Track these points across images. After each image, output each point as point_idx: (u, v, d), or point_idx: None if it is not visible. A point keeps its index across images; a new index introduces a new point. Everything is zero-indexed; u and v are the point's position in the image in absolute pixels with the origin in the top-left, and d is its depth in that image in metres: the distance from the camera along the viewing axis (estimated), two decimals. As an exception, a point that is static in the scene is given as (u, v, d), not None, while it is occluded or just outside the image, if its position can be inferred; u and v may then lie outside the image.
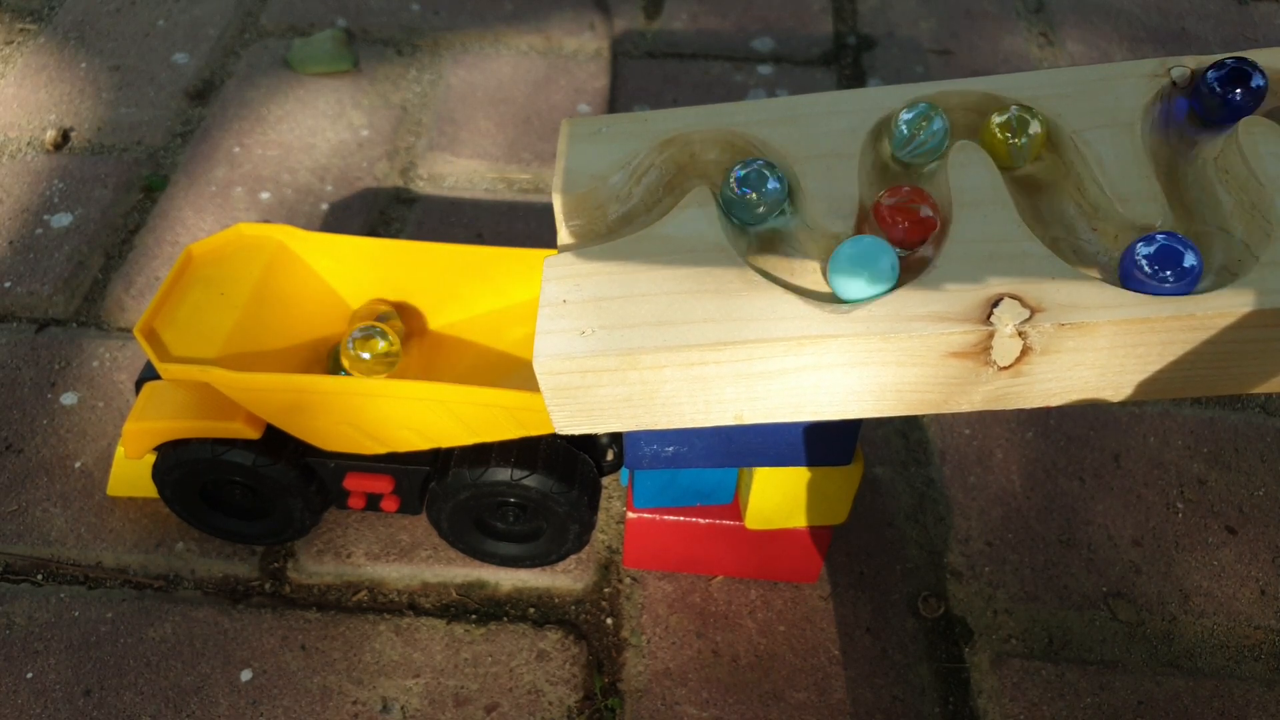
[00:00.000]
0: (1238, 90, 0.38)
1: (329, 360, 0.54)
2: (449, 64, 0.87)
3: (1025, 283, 0.35)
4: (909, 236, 0.37)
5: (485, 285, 0.55)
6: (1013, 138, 0.39)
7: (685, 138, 0.42)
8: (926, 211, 0.37)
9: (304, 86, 0.84)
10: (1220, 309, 0.34)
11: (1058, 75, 0.41)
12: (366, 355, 0.50)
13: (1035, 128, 0.39)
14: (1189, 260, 0.34)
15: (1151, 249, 0.34)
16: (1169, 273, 0.34)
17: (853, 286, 0.36)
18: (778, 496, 0.49)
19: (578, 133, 0.43)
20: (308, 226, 0.73)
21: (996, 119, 0.39)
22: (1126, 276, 0.35)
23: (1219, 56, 0.40)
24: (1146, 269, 0.34)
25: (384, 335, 0.51)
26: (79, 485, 0.57)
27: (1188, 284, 0.34)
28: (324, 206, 0.74)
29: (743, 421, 0.38)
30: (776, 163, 0.41)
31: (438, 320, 0.56)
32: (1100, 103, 0.40)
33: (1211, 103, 0.39)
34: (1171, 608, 0.55)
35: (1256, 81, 0.38)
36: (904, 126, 0.39)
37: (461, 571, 0.55)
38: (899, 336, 0.34)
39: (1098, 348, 0.35)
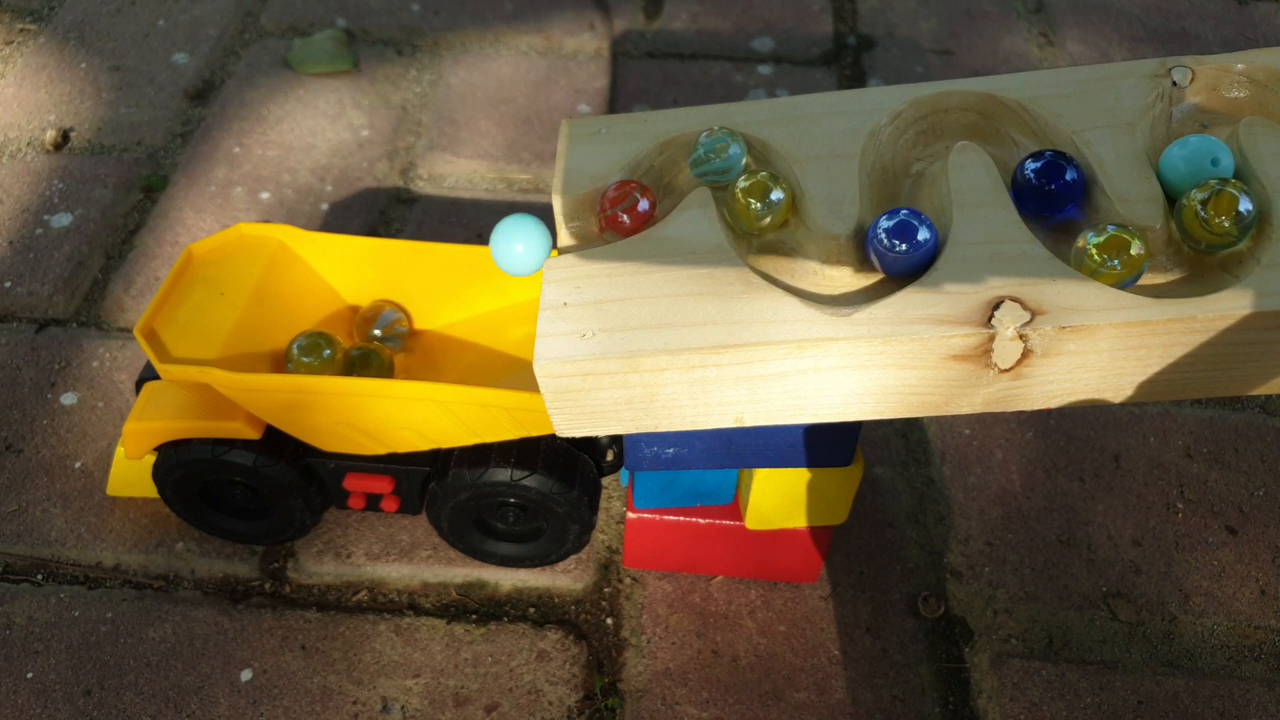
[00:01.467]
0: (1052, 184, 0.37)
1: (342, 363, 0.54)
2: (449, 64, 0.87)
3: (1026, 285, 0.35)
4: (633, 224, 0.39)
5: (485, 285, 0.55)
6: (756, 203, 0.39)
7: (685, 138, 0.42)
8: (644, 205, 0.39)
9: (304, 86, 0.84)
10: (1221, 311, 0.34)
11: (1058, 75, 0.41)
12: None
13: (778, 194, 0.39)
14: (923, 234, 0.36)
15: (892, 222, 0.36)
16: (902, 244, 0.36)
17: (509, 259, 0.40)
18: (778, 497, 0.49)
19: (578, 133, 0.43)
20: (308, 226, 0.73)
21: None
22: (870, 249, 0.37)
23: (1218, 57, 0.40)
24: (885, 241, 0.36)
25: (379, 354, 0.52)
26: (79, 485, 0.57)
27: (923, 254, 0.36)
28: (324, 206, 0.74)
29: (743, 424, 0.38)
30: (777, 164, 0.41)
31: (438, 320, 0.56)
32: (1100, 103, 0.40)
33: (1031, 194, 0.38)
34: (1171, 608, 0.55)
35: (1070, 175, 0.37)
36: (701, 148, 0.40)
37: (461, 571, 0.55)
38: (900, 339, 0.34)
39: (1098, 350, 0.35)
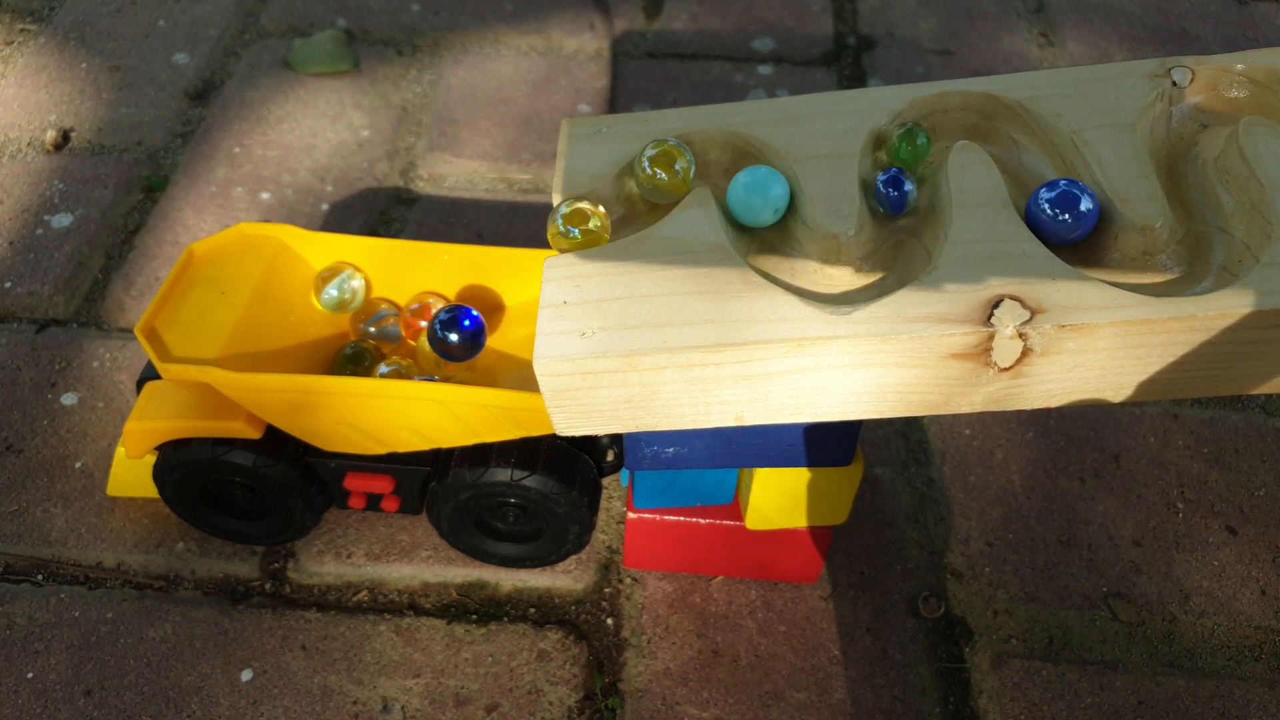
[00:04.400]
0: None
1: (335, 359, 0.54)
2: (449, 64, 0.87)
3: (1026, 283, 0.35)
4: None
5: (485, 285, 0.55)
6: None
7: (685, 138, 0.42)
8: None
9: (304, 86, 0.84)
10: (1221, 310, 0.34)
11: (1058, 75, 0.41)
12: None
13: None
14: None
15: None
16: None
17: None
18: (778, 497, 0.49)
19: (578, 133, 0.43)
20: (308, 227, 0.73)
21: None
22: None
23: (1218, 57, 0.40)
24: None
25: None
26: (79, 485, 0.57)
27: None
28: (324, 207, 0.74)
29: (743, 423, 0.38)
30: (777, 163, 0.41)
31: (438, 320, 0.56)
32: (1100, 103, 0.40)
33: None
34: (1171, 608, 0.55)
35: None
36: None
37: (462, 572, 0.55)
38: (899, 338, 0.34)
39: (1098, 349, 0.35)
